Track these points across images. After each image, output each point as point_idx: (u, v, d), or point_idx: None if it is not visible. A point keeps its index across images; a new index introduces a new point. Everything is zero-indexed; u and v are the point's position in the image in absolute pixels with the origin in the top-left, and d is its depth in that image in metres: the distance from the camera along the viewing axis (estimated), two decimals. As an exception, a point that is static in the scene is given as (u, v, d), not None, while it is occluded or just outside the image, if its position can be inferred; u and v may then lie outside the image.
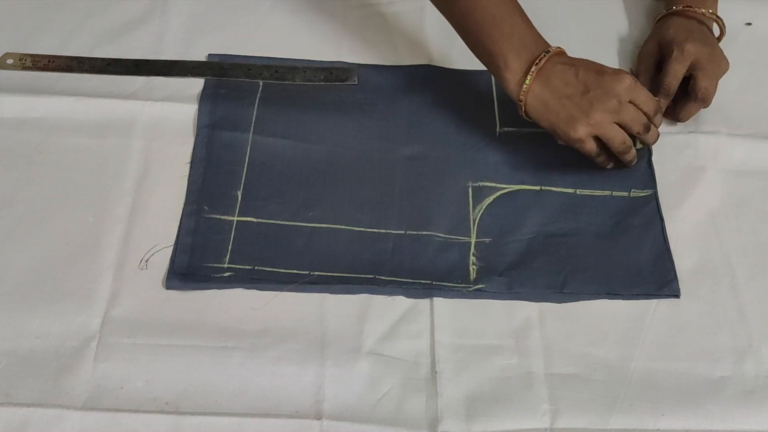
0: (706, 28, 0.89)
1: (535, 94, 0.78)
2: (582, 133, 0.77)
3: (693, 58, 0.85)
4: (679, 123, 0.88)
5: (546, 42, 0.79)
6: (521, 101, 0.79)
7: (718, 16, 0.90)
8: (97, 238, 0.76)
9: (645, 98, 0.78)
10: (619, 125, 0.78)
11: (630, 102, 0.77)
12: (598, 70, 0.78)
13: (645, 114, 0.78)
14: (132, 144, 0.82)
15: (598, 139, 0.78)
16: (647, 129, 0.79)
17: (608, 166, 0.82)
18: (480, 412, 0.68)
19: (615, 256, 0.78)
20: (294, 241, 0.77)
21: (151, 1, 0.95)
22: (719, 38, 0.90)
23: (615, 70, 0.78)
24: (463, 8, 0.79)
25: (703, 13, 0.89)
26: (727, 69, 0.88)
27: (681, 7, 0.90)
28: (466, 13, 0.79)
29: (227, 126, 0.84)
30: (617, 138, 0.78)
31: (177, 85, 0.88)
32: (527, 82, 0.77)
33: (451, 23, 0.82)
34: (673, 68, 0.85)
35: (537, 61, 0.77)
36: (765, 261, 0.79)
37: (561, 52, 0.79)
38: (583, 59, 0.79)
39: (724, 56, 0.87)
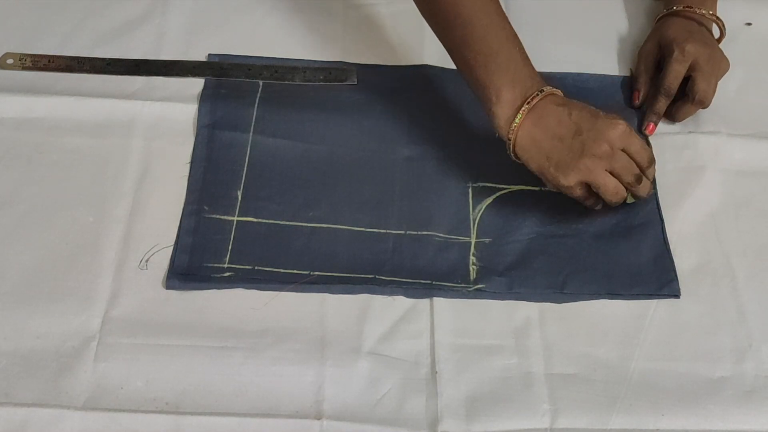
0: (705, 29, 0.89)
1: (525, 132, 0.74)
2: (572, 180, 0.74)
3: (693, 59, 0.85)
4: (678, 123, 0.88)
5: (542, 80, 0.76)
6: (510, 139, 0.75)
7: (717, 18, 0.90)
8: (97, 238, 0.76)
9: (638, 147, 0.75)
10: (610, 173, 0.74)
11: (623, 150, 0.74)
12: (593, 112, 0.74)
13: (638, 164, 0.75)
14: (132, 144, 0.82)
15: (587, 184, 0.75)
16: (638, 180, 0.75)
17: (597, 208, 0.78)
18: (480, 412, 0.68)
19: (615, 256, 0.78)
20: (294, 241, 0.77)
21: (151, 1, 0.95)
22: (719, 39, 0.90)
23: (610, 115, 0.75)
24: (460, 37, 0.76)
25: (702, 14, 0.89)
26: (727, 69, 0.88)
27: (681, 8, 0.90)
28: (462, 41, 0.76)
29: (227, 126, 0.84)
30: (609, 187, 0.74)
31: (177, 85, 0.88)
32: (517, 120, 0.74)
33: (448, 51, 0.79)
34: (674, 68, 0.85)
35: (529, 99, 0.74)
36: (765, 261, 0.79)
37: (556, 93, 0.76)
38: (578, 102, 0.76)
39: (725, 56, 0.87)
